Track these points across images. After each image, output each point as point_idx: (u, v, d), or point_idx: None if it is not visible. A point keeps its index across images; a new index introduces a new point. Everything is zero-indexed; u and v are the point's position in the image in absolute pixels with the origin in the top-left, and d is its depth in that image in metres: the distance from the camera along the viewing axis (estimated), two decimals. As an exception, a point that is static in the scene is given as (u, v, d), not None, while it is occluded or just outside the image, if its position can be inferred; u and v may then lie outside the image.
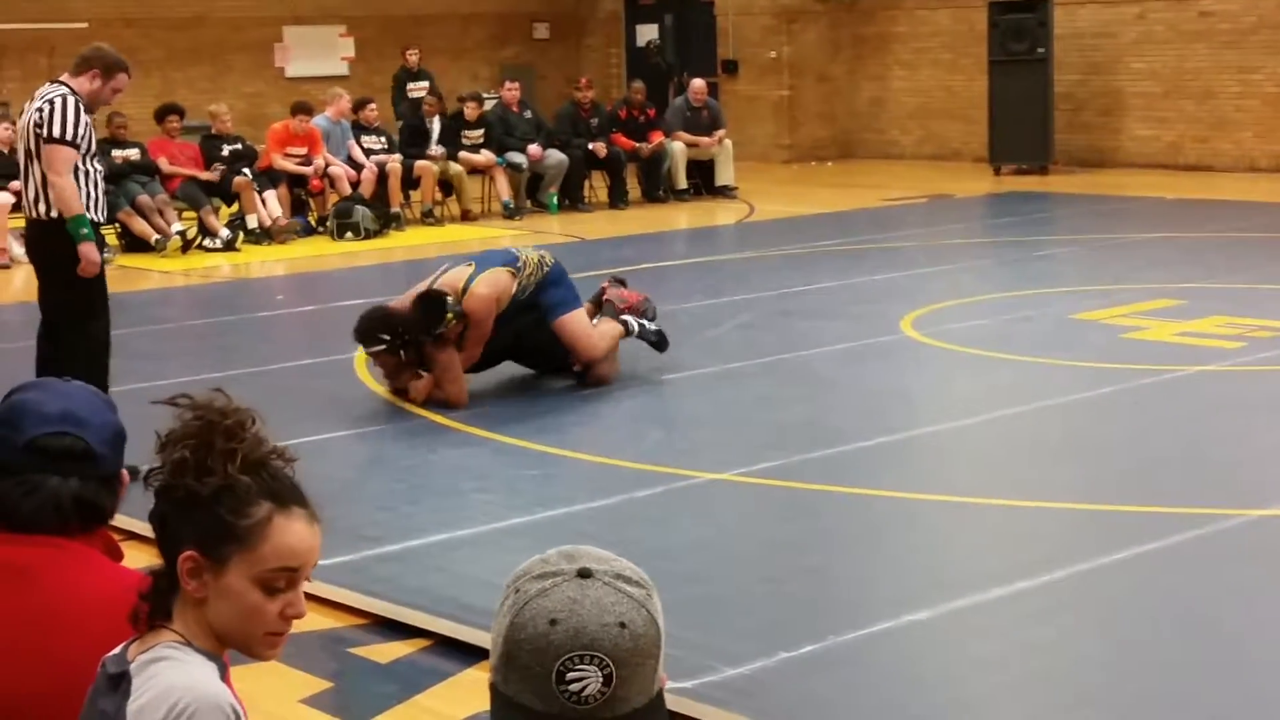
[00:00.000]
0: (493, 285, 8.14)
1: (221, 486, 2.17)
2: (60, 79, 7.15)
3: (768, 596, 5.51)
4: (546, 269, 8.39)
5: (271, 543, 2.18)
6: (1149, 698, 4.57)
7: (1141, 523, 6.04)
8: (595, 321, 8.63)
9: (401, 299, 8.26)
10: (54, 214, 6.91)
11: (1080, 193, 17.51)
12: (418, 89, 18.38)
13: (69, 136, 6.92)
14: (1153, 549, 5.71)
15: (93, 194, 7.02)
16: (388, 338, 7.97)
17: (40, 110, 6.93)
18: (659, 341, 8.73)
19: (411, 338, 7.98)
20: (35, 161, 6.92)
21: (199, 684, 2.13)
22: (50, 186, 6.91)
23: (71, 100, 6.98)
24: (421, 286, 8.20)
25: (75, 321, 7.06)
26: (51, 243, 6.99)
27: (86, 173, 7.01)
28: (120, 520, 2.95)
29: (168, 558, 2.23)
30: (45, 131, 6.90)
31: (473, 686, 4.68)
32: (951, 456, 7.42)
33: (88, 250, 6.99)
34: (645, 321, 8.73)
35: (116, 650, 2.23)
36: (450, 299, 8.02)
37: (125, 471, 2.73)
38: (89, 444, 2.63)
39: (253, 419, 2.21)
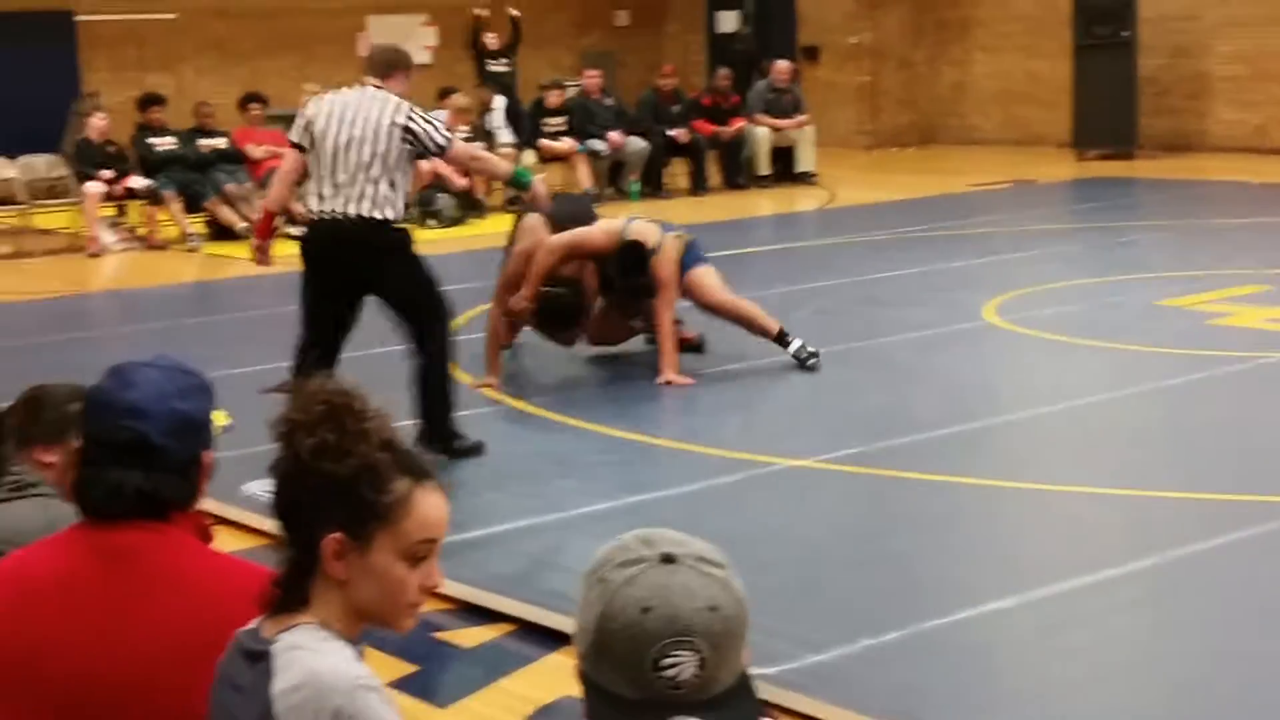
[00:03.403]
0: (676, 250, 8.47)
1: (361, 466, 2.17)
2: (374, 85, 6.94)
3: (849, 583, 5.50)
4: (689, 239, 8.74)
5: (414, 516, 2.20)
6: (1242, 689, 4.52)
7: (1230, 510, 5.98)
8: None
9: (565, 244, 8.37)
10: (388, 215, 6.76)
11: (1165, 178, 17.32)
12: (497, 65, 18.36)
13: (451, 134, 7.06)
14: (1242, 537, 5.65)
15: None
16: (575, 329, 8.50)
17: (411, 125, 6.76)
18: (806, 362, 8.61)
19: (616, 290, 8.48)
20: (386, 167, 6.72)
21: (343, 666, 2.16)
22: (493, 172, 7.51)
23: (419, 109, 7.01)
24: (609, 225, 8.55)
25: (435, 308, 6.94)
26: (385, 241, 6.80)
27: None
28: (206, 504, 2.99)
29: (300, 544, 2.22)
30: (431, 147, 6.82)
31: (556, 671, 4.71)
32: (1035, 444, 7.37)
33: (540, 187, 7.50)
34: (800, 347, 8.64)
35: (250, 626, 2.25)
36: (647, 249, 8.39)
37: (208, 456, 2.76)
38: (148, 436, 2.64)
39: (368, 397, 2.24)
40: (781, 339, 8.61)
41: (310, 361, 6.84)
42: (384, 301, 6.97)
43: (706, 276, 8.61)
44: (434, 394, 6.87)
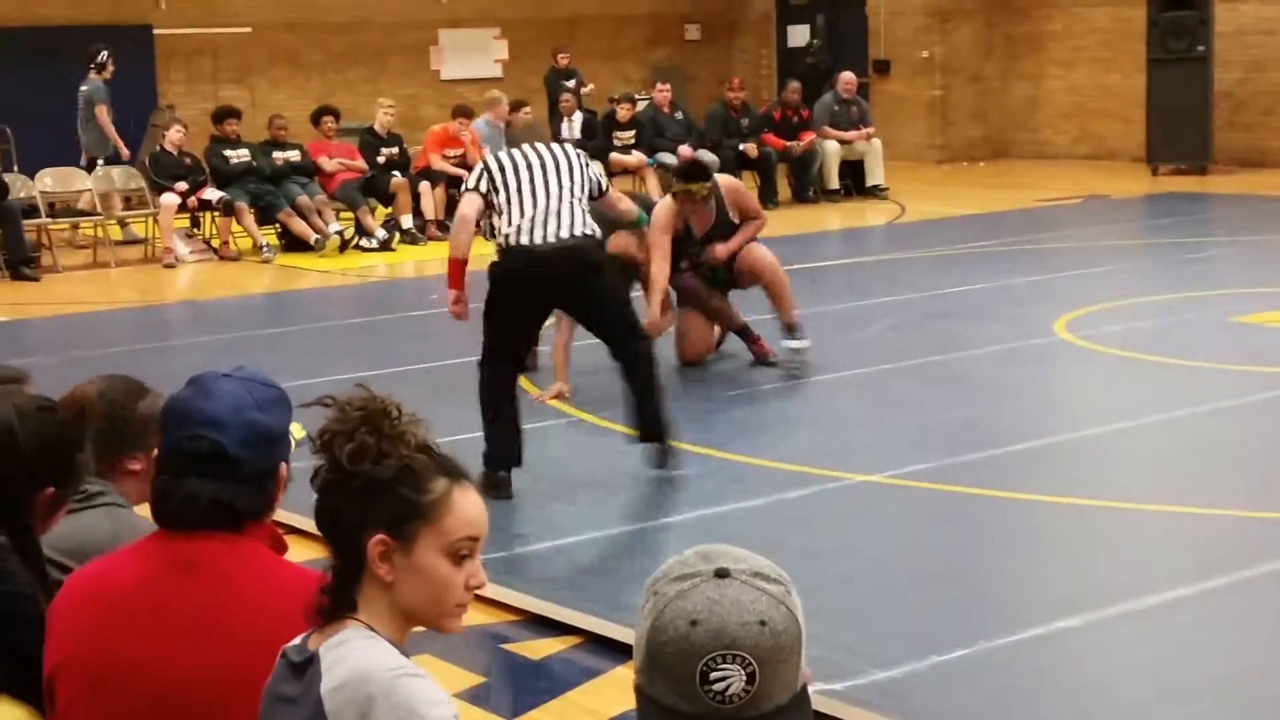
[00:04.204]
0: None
1: (401, 467, 2.24)
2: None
3: (918, 600, 5.48)
4: None
5: (454, 515, 2.26)
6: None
7: (1303, 531, 5.92)
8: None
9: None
10: (596, 233, 6.97)
11: (1241, 193, 17.15)
12: (569, 85, 18.52)
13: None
14: (1315, 558, 5.59)
15: None
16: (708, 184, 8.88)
17: (590, 164, 7.17)
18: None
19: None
20: (584, 193, 6.95)
21: (392, 660, 2.20)
22: (625, 215, 7.75)
23: None
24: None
25: (636, 324, 7.14)
26: (597, 258, 6.97)
27: None
28: (280, 515, 3.02)
29: (345, 551, 2.27)
30: (602, 186, 7.17)
31: (624, 684, 4.69)
32: (1107, 461, 7.32)
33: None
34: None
35: (296, 641, 2.29)
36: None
37: (283, 468, 2.78)
38: (224, 447, 2.66)
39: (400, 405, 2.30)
40: (793, 330, 8.99)
41: (494, 372, 6.88)
42: (588, 318, 7.11)
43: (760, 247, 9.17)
44: (648, 398, 6.96)
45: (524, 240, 6.78)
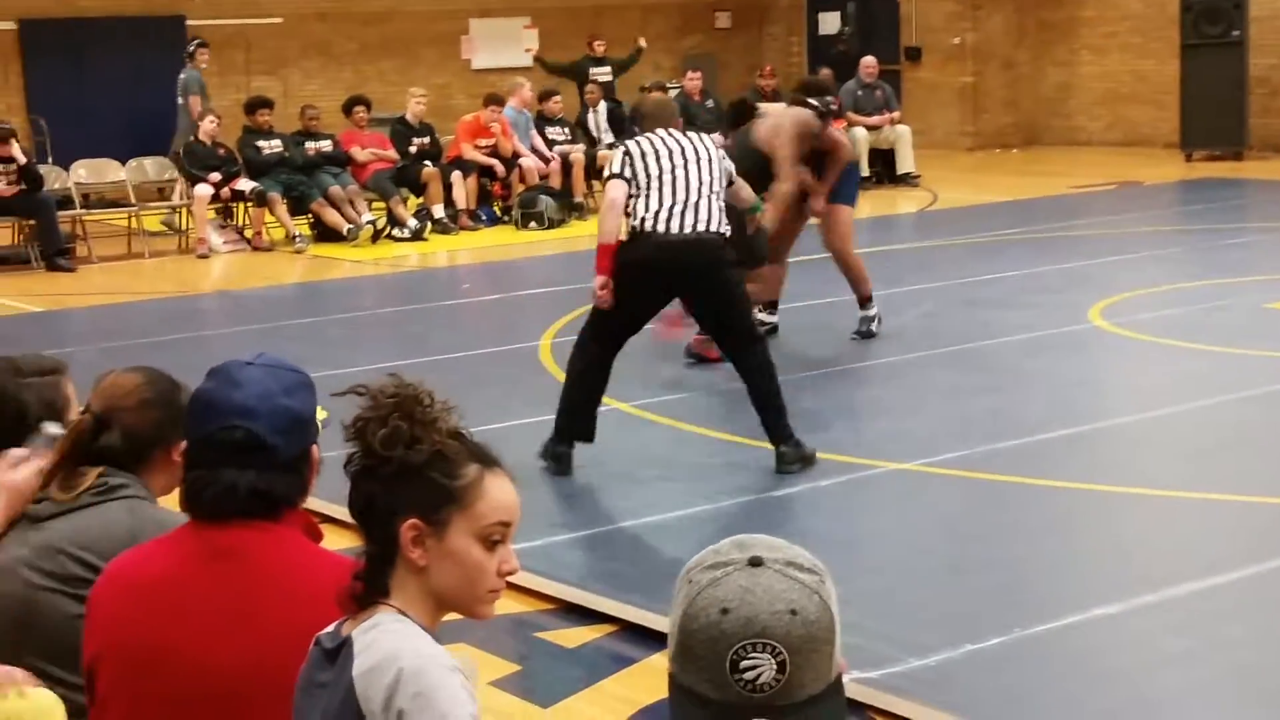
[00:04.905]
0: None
1: (434, 453, 2.25)
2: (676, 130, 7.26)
3: (953, 588, 5.47)
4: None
5: (487, 499, 2.28)
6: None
7: (1340, 518, 5.88)
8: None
9: None
10: (726, 230, 6.90)
11: (1276, 179, 17.04)
12: (602, 74, 18.46)
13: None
14: (1352, 545, 5.56)
15: None
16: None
17: (726, 156, 7.21)
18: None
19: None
20: (720, 188, 6.95)
21: (424, 646, 2.21)
22: (745, 202, 7.68)
23: None
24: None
25: (753, 326, 7.11)
26: (724, 255, 6.88)
27: None
28: (314, 503, 3.02)
29: (378, 537, 2.29)
30: (732, 176, 7.21)
31: (658, 672, 4.70)
32: (1142, 448, 7.29)
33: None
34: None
35: (329, 628, 2.30)
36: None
37: (315, 451, 2.77)
38: (260, 435, 2.65)
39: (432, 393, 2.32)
40: (862, 304, 9.45)
41: (591, 357, 6.90)
42: (709, 313, 7.04)
43: (847, 217, 9.60)
44: (768, 404, 6.88)
45: (659, 228, 6.74)
